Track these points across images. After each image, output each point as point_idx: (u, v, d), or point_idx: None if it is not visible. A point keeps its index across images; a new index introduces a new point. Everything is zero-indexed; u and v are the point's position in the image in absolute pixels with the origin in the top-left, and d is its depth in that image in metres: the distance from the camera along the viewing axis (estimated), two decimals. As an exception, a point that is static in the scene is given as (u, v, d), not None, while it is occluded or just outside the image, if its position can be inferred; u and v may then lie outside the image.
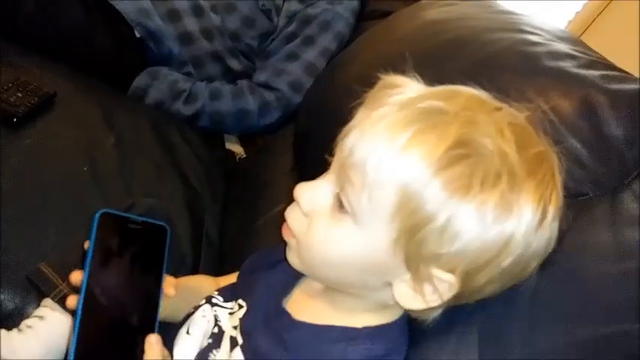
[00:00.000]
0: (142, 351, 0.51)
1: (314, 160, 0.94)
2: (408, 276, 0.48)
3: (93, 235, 0.53)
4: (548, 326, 0.44)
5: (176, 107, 1.17)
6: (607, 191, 0.61)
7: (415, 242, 0.44)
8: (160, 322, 0.54)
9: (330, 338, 0.52)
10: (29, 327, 0.65)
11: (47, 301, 0.68)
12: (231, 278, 0.70)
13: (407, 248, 0.45)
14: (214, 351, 0.57)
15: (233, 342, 0.57)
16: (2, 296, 0.74)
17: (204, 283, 0.71)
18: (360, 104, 0.51)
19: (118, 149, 0.99)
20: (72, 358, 0.48)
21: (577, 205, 0.61)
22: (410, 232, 0.44)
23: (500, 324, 0.47)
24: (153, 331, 0.52)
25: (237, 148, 1.28)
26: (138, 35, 1.18)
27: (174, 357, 0.57)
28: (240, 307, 0.61)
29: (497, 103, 0.49)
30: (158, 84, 1.17)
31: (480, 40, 0.79)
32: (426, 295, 0.47)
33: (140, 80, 1.17)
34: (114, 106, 1.08)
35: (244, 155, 1.27)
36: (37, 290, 0.71)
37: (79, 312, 0.50)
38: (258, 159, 1.18)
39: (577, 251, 0.51)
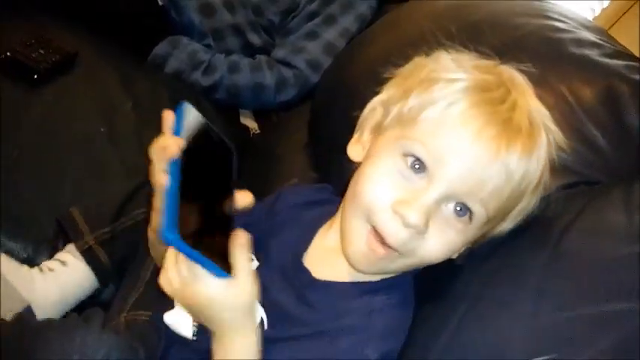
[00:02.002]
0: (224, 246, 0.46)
1: (329, 138, 0.94)
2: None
3: (183, 124, 0.49)
4: (554, 301, 0.45)
5: (194, 77, 1.17)
6: (622, 179, 0.61)
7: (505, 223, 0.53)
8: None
9: (355, 294, 0.54)
10: (51, 270, 0.66)
11: (71, 247, 0.69)
12: None
13: (495, 227, 0.53)
14: None
15: None
16: (14, 245, 0.75)
17: None
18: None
19: (135, 113, 0.99)
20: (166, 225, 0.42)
21: (592, 190, 0.61)
22: (507, 217, 0.53)
23: (508, 296, 0.48)
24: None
25: (251, 123, 1.28)
26: (160, 3, 1.18)
27: (175, 304, 0.57)
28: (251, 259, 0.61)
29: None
30: (178, 53, 1.17)
31: (505, 23, 0.78)
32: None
33: (161, 48, 1.17)
34: (133, 72, 1.08)
35: (258, 131, 1.27)
36: (63, 234, 0.71)
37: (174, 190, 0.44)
38: (272, 134, 1.19)
39: (589, 232, 0.51)
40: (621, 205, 0.52)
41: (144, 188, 0.73)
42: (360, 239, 0.51)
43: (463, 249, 0.55)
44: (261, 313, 0.55)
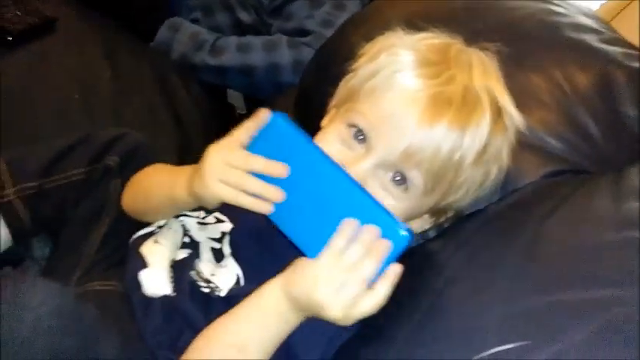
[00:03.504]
0: None
1: (315, 117, 0.91)
2: (427, 216, 0.57)
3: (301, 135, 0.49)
4: (532, 286, 0.42)
5: (201, 57, 1.11)
6: (613, 169, 0.58)
7: (450, 196, 0.54)
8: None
9: None
10: None
11: None
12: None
13: (441, 200, 0.54)
14: (196, 261, 0.57)
15: (217, 253, 0.57)
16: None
17: None
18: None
19: (114, 84, 0.95)
20: None
21: (579, 178, 0.58)
22: (449, 189, 0.53)
23: (483, 281, 0.45)
24: None
25: (238, 103, 1.25)
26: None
27: (149, 263, 0.57)
28: (220, 220, 0.61)
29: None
30: (180, 36, 1.13)
31: (504, 5, 0.75)
32: (436, 222, 0.58)
33: (162, 34, 1.13)
34: (117, 42, 1.04)
35: (244, 111, 1.24)
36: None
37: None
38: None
39: (573, 218, 0.48)
40: (609, 193, 0.49)
41: (82, 145, 0.67)
42: None
43: (423, 224, 0.57)
44: (237, 270, 0.56)
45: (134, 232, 0.63)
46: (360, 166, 0.50)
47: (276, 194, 0.48)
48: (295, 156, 0.48)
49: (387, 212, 0.45)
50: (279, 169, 0.48)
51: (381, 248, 0.44)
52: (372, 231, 0.45)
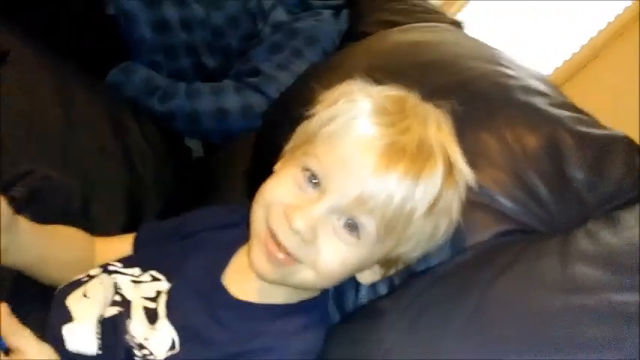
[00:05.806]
0: None
1: (272, 164, 0.90)
2: (377, 267, 0.57)
3: None
4: (477, 349, 0.40)
5: (151, 104, 1.10)
6: (560, 230, 0.58)
7: (400, 246, 0.53)
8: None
9: (272, 316, 0.55)
10: None
11: None
12: (117, 242, 0.66)
13: (391, 251, 0.54)
14: (127, 321, 0.54)
15: (151, 313, 0.55)
16: None
17: (74, 232, 0.65)
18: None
19: (63, 120, 0.91)
20: None
21: (528, 239, 0.58)
22: (399, 240, 0.52)
23: (430, 341, 0.43)
24: None
25: (195, 146, 1.23)
26: (111, 12, 1.13)
27: (74, 317, 0.53)
28: (156, 279, 0.58)
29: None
30: (134, 78, 1.12)
31: (457, 64, 0.77)
32: (385, 274, 0.57)
33: (113, 76, 1.12)
34: (70, 78, 1.01)
35: (202, 155, 1.21)
36: None
37: None
38: (214, 158, 1.13)
39: (522, 280, 0.48)
40: (557, 256, 0.49)
41: None
42: (259, 239, 0.53)
43: (373, 275, 0.57)
44: (172, 333, 0.53)
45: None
46: (313, 209, 0.50)
47: None
48: None
49: None
50: None
51: None
52: None
